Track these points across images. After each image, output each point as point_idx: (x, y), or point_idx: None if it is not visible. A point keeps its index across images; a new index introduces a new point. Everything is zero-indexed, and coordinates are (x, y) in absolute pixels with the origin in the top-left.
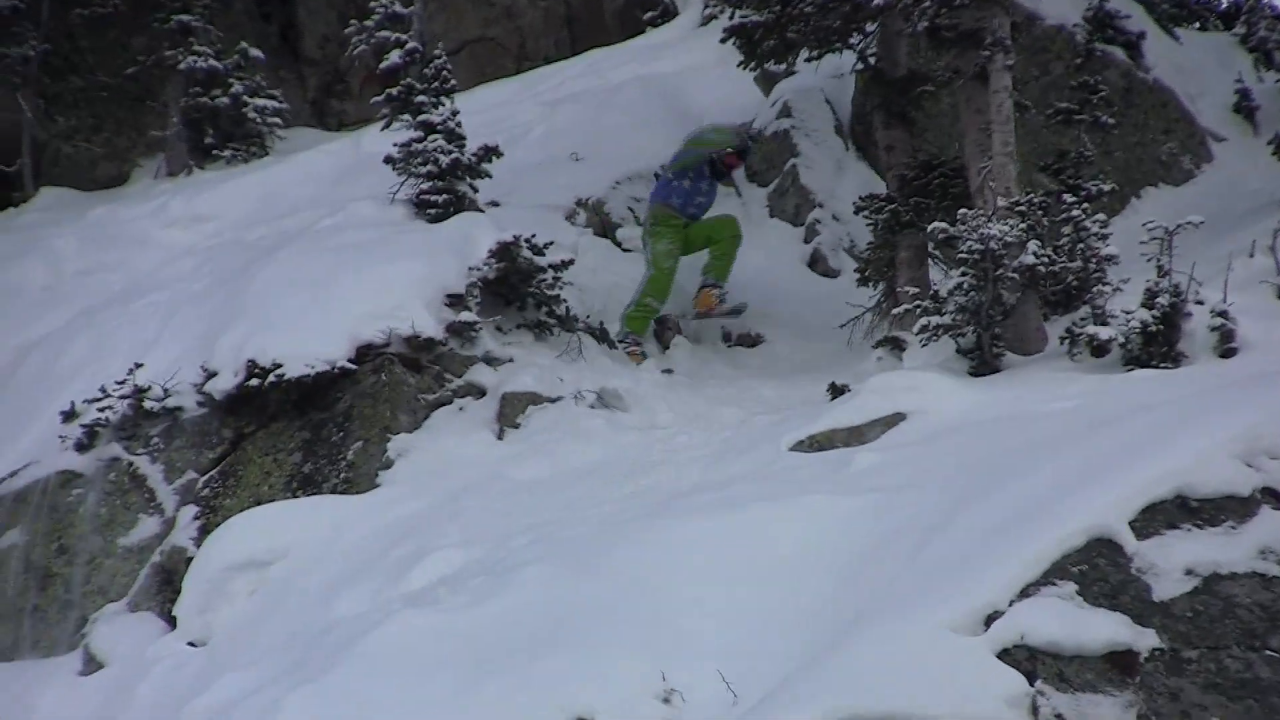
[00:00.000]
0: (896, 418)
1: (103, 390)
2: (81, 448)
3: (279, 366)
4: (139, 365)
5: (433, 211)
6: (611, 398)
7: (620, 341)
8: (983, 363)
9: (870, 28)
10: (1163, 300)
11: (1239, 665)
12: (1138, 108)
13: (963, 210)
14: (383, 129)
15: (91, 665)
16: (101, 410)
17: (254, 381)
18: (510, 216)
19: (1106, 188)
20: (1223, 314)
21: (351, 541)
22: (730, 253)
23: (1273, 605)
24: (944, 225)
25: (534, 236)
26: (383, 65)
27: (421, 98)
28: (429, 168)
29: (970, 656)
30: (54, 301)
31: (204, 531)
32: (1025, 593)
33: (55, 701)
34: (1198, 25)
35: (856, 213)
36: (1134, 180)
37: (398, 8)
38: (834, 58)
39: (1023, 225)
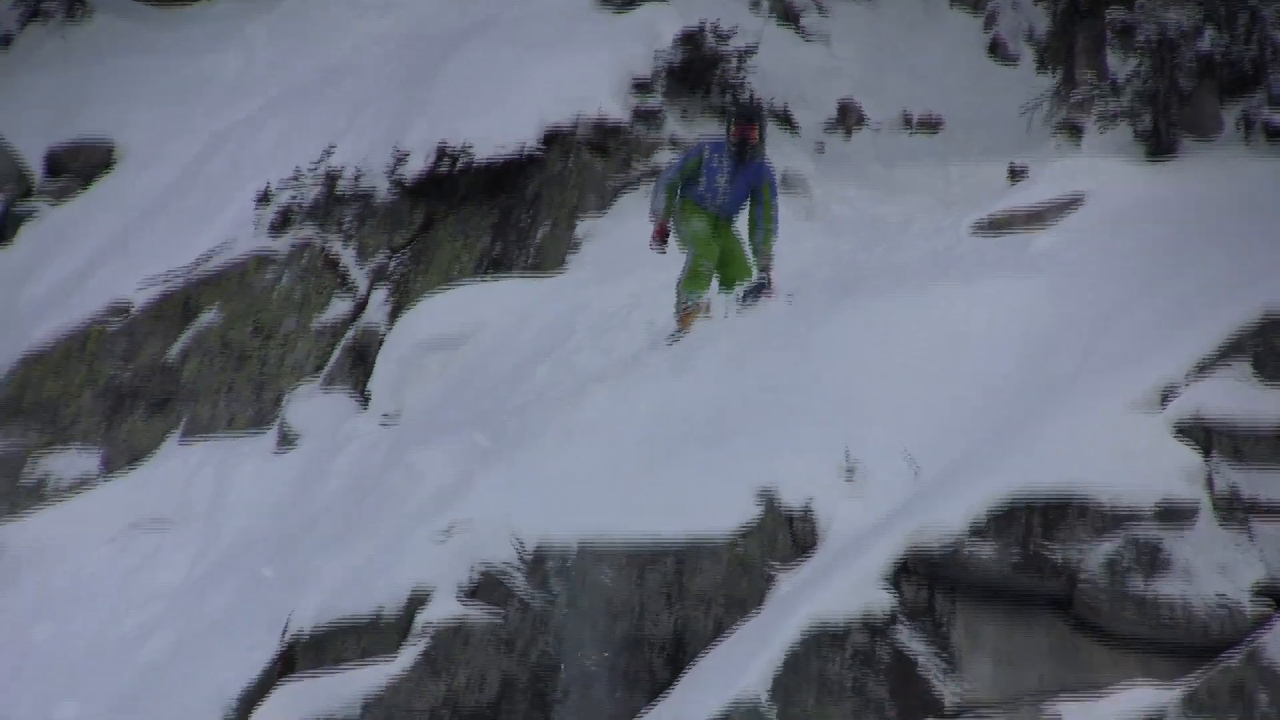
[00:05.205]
0: (1074, 201)
1: (296, 173)
2: (275, 230)
3: (469, 149)
4: (332, 149)
5: (618, 1)
6: (794, 180)
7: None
8: (1159, 145)
9: None
10: None
11: None
12: None
13: None
14: None
15: (286, 441)
16: (295, 194)
17: (444, 165)
18: (695, 4)
19: None
20: None
21: (541, 322)
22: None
23: None
24: (1122, 13)
25: (718, 23)
26: None
27: None
28: None
29: (1147, 432)
30: (247, 89)
31: (395, 312)
32: (1201, 369)
33: (253, 475)
34: None
35: (1035, 1)
36: None
37: None
38: None
39: (1199, 12)
